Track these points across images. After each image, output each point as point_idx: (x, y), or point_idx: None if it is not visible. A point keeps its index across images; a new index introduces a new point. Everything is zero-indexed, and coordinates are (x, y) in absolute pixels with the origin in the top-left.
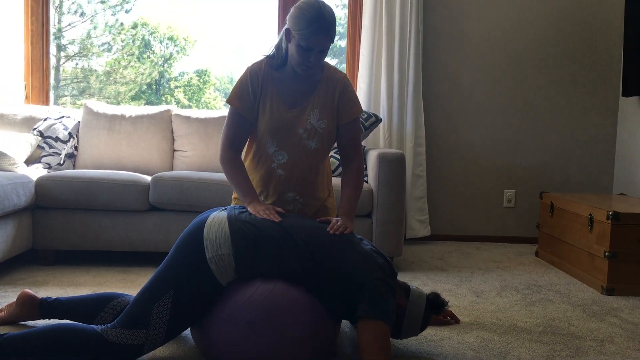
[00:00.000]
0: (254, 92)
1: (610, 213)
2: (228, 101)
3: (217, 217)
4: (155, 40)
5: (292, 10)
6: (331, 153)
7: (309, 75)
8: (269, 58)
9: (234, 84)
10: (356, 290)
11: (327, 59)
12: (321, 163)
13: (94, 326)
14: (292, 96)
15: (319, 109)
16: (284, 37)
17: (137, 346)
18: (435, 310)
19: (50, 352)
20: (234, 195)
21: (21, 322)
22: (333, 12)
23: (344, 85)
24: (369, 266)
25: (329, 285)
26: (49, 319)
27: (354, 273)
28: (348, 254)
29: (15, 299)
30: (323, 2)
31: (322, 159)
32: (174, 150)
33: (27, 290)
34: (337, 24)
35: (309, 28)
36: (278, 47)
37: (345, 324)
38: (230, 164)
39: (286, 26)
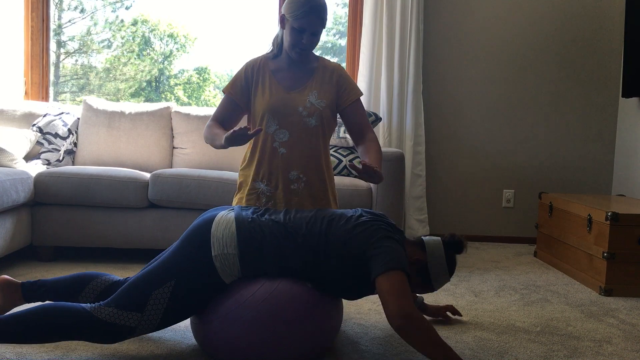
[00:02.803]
0: (247, 79)
1: (609, 214)
2: (223, 90)
3: (226, 216)
4: (155, 38)
5: None
6: (331, 152)
7: (303, 63)
8: (266, 54)
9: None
10: (363, 260)
11: (328, 57)
12: (322, 142)
13: (83, 305)
14: (289, 82)
15: (317, 91)
16: (279, 27)
17: (129, 328)
18: (456, 250)
19: (39, 332)
20: (237, 195)
21: (6, 310)
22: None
23: (340, 73)
24: (369, 235)
25: (337, 271)
26: (34, 302)
27: (357, 249)
28: (347, 234)
29: None
30: None
31: (322, 137)
32: (174, 148)
33: (5, 275)
34: (336, 21)
35: (302, 9)
36: (274, 39)
37: (345, 324)
38: (210, 125)
39: (281, 14)
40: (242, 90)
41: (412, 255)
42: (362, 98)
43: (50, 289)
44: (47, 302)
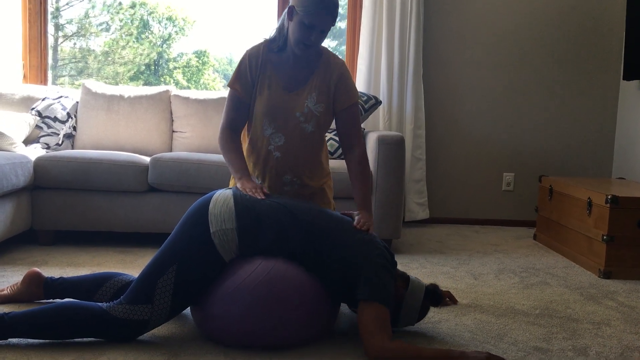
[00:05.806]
0: (252, 75)
1: (608, 197)
2: (229, 84)
3: (223, 194)
4: (153, 21)
5: None
6: (330, 135)
7: (307, 59)
8: (269, 41)
9: (234, 66)
10: (356, 274)
11: (327, 41)
12: (318, 146)
13: (99, 303)
14: (290, 80)
15: (316, 93)
16: (286, 17)
17: (142, 322)
18: (433, 302)
19: (56, 329)
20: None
21: (24, 302)
22: None
23: (341, 72)
24: (370, 251)
25: (329, 268)
26: (52, 298)
27: (354, 257)
28: (350, 238)
29: (14, 279)
30: None
31: (318, 142)
32: (173, 131)
33: (36, 268)
34: (338, 6)
35: (315, 5)
36: (280, 29)
37: (345, 305)
38: (226, 140)
39: (290, 4)
40: (247, 87)
41: (395, 285)
42: (362, 81)
43: (69, 287)
44: (65, 299)
